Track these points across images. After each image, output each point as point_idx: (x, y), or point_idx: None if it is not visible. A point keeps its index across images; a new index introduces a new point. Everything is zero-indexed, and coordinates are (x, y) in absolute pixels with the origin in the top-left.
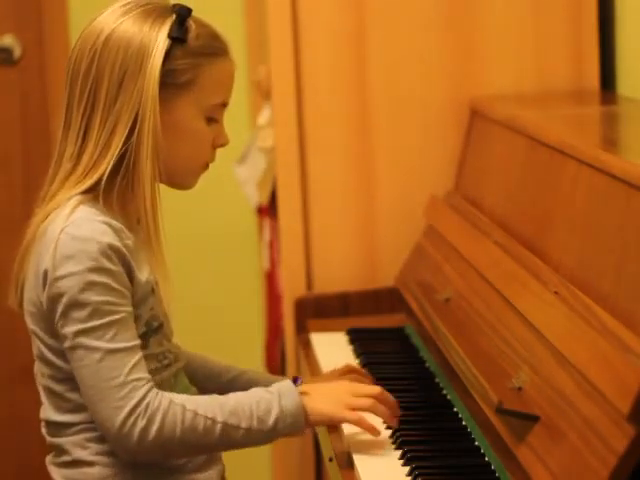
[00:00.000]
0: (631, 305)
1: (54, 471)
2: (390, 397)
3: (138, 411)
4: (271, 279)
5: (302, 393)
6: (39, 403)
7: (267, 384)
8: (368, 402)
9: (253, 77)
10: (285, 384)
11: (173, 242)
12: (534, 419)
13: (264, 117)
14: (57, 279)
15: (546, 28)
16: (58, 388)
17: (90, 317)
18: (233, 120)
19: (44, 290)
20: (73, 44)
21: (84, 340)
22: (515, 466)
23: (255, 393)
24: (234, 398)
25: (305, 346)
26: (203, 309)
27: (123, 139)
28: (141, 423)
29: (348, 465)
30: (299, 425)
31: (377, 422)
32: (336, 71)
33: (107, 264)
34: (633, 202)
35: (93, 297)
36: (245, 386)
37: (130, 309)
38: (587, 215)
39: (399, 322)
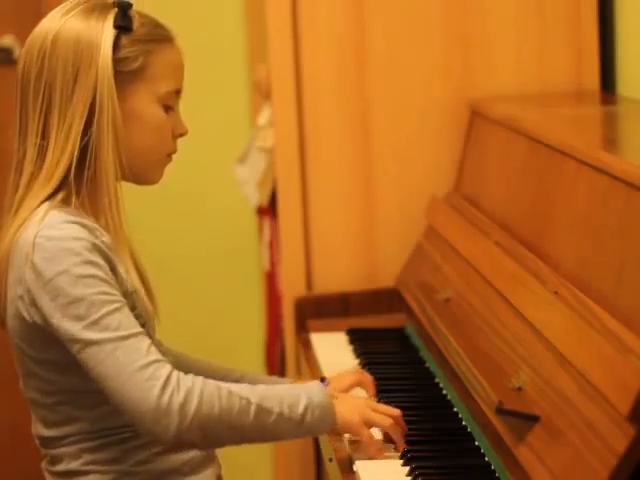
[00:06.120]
0: (631, 305)
1: (49, 478)
2: (404, 423)
3: (171, 386)
4: (271, 279)
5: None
6: None
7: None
8: (388, 421)
9: (253, 77)
10: (312, 382)
11: (173, 242)
12: (534, 419)
13: (264, 117)
14: (45, 284)
15: (546, 28)
16: (47, 401)
17: (88, 311)
18: (233, 120)
19: (30, 300)
20: (19, 52)
21: (91, 335)
22: (515, 466)
23: (283, 386)
24: (262, 387)
25: (305, 346)
26: (203, 309)
27: (80, 131)
28: (178, 398)
29: (348, 465)
30: (328, 419)
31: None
32: (336, 71)
33: (91, 257)
34: (633, 202)
35: (86, 290)
36: None
37: (123, 300)
38: (587, 215)
39: (399, 322)
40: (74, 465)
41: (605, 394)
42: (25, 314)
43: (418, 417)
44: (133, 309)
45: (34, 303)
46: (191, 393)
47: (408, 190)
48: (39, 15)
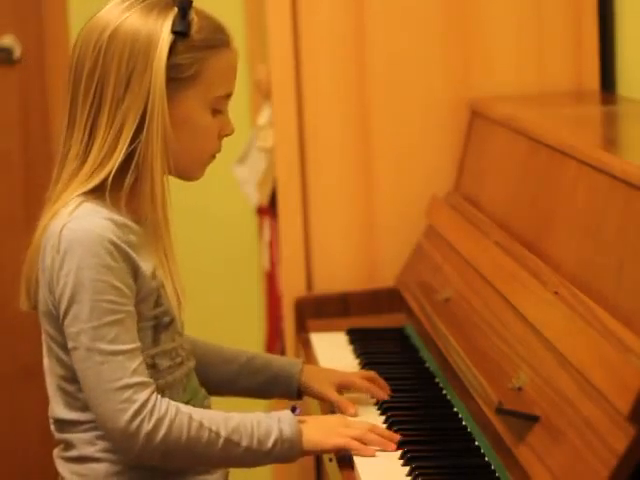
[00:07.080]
0: (631, 305)
1: (61, 464)
2: (383, 429)
3: (143, 414)
4: (271, 279)
5: (298, 422)
6: (40, 402)
7: (277, 366)
8: (358, 432)
9: (253, 77)
10: (285, 412)
11: (172, 242)
12: (534, 419)
13: (264, 117)
14: (60, 277)
15: (546, 28)
16: (70, 388)
17: (91, 316)
18: (233, 120)
19: (50, 288)
20: (74, 40)
21: (85, 341)
22: (515, 466)
23: (257, 415)
24: (237, 416)
25: (305, 346)
26: (203, 309)
27: (130, 137)
28: (147, 427)
29: (348, 465)
30: (295, 451)
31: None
32: (336, 71)
33: (108, 260)
34: (633, 202)
35: (94, 295)
36: (257, 370)
37: (131, 309)
38: (587, 215)
39: (399, 322)
40: (88, 451)
41: (605, 394)
42: (49, 300)
43: (418, 417)
44: (159, 305)
45: (52, 290)
46: (161, 423)
47: (408, 190)
48: (39, 15)
